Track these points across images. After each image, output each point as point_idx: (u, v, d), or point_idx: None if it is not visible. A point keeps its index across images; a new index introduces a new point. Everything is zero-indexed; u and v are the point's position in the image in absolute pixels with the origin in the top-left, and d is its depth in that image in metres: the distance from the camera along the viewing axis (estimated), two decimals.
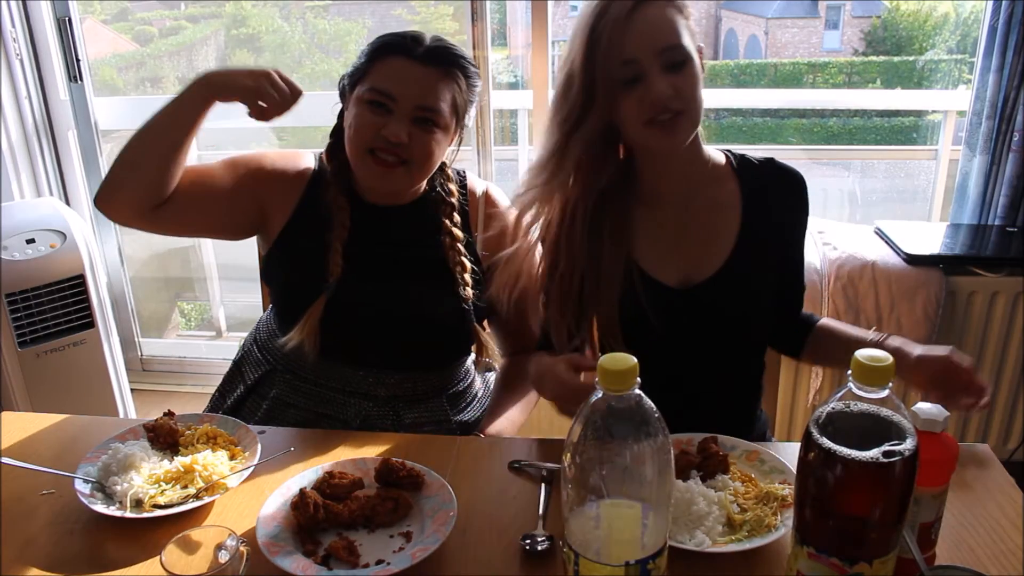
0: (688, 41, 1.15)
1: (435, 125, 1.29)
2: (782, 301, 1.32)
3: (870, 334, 1.22)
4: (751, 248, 1.26)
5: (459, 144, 1.40)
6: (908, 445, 0.72)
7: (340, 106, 1.38)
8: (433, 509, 1.02)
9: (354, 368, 1.35)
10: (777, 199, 1.28)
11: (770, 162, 1.31)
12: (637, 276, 1.23)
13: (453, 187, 1.42)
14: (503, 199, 1.46)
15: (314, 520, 0.98)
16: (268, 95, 1.23)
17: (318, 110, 1.48)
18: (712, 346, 1.26)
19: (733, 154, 1.31)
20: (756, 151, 1.32)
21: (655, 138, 1.16)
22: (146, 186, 1.25)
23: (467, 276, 1.37)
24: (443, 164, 1.41)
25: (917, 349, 1.12)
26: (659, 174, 1.26)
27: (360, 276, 1.33)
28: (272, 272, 1.42)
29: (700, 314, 1.24)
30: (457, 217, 1.40)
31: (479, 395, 1.50)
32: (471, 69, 1.33)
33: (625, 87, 1.14)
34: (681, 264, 1.25)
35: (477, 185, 1.46)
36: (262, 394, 1.38)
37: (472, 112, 1.37)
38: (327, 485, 1.04)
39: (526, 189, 1.24)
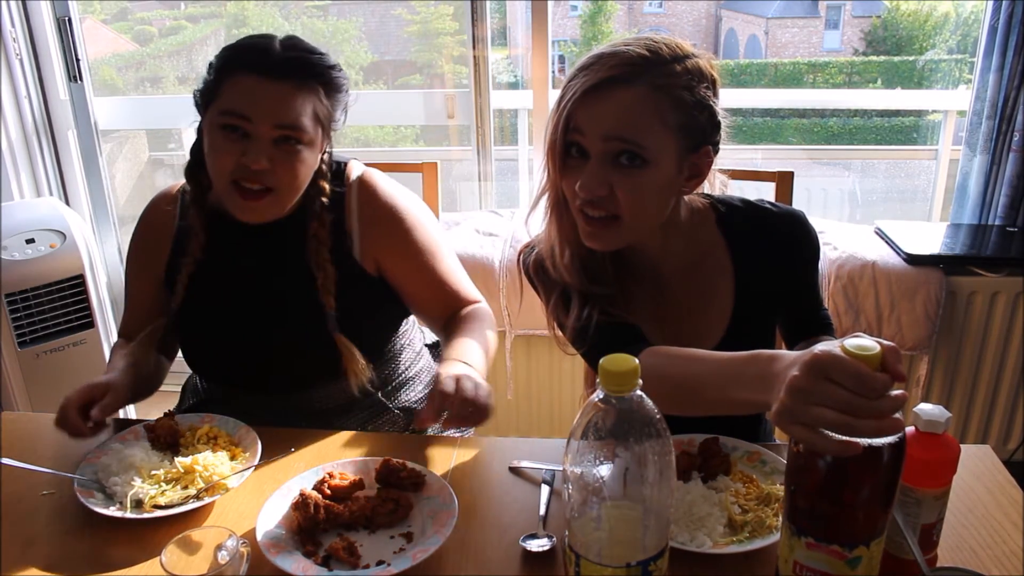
0: (658, 146, 1.00)
1: (299, 143, 1.19)
2: (795, 320, 1.24)
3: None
4: (749, 307, 1.18)
5: (330, 146, 1.29)
6: None
7: (199, 120, 1.25)
8: (434, 510, 1.02)
9: (255, 394, 1.32)
10: (765, 247, 1.17)
11: (752, 209, 1.18)
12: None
13: (324, 184, 1.29)
14: (381, 181, 1.33)
15: (314, 521, 0.98)
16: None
17: None
18: None
19: (715, 203, 1.19)
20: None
21: (583, 232, 1.06)
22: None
23: (329, 283, 1.27)
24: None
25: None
26: (651, 258, 1.17)
27: (211, 300, 1.31)
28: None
29: None
30: (327, 216, 1.28)
31: (409, 367, 1.42)
32: (332, 73, 1.22)
33: (570, 158, 1.04)
34: (685, 341, 1.11)
35: (353, 173, 1.33)
36: None
37: (339, 115, 1.26)
38: (328, 486, 1.04)
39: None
